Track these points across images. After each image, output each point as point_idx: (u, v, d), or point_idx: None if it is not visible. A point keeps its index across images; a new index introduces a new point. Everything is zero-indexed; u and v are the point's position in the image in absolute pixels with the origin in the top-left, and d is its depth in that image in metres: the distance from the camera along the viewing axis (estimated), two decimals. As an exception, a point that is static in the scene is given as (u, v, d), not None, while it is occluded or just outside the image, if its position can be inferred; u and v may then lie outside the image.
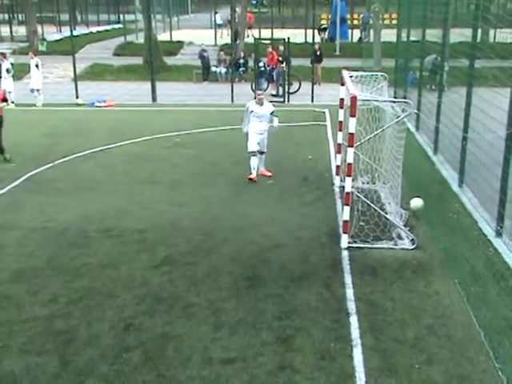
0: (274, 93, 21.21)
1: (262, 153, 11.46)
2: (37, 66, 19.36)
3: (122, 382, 5.43)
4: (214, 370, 5.58)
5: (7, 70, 19.00)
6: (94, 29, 39.83)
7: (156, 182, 11.23)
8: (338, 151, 10.96)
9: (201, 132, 15.46)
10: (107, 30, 40.30)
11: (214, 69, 24.68)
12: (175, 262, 7.84)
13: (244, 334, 6.17)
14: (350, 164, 8.05)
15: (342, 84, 10.40)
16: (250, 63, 23.47)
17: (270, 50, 21.88)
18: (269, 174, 11.46)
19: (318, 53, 22.70)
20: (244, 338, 6.09)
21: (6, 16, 39.59)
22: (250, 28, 33.96)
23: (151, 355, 5.81)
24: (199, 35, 33.75)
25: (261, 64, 20.90)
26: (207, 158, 12.96)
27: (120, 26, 40.36)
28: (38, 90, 19.39)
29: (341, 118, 10.80)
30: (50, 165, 12.41)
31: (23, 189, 10.97)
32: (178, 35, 35.25)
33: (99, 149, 13.59)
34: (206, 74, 24.50)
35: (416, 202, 8.98)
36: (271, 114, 11.29)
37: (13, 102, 19.13)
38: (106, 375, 5.51)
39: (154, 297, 6.92)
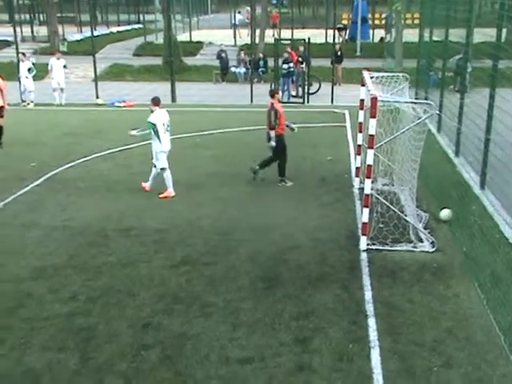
0: (294, 93, 21.19)
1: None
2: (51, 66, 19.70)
3: (140, 379, 5.48)
4: (232, 370, 5.60)
5: (29, 70, 19.27)
6: (115, 29, 40.16)
7: (175, 182, 11.27)
8: (358, 153, 10.91)
9: (220, 132, 15.50)
10: (127, 30, 40.62)
11: (233, 69, 24.73)
12: (193, 262, 7.87)
13: (262, 334, 6.17)
14: (369, 166, 8.01)
15: (363, 85, 10.36)
16: (270, 63, 23.46)
17: (289, 50, 21.84)
18: (147, 189, 10.63)
19: (339, 53, 22.61)
20: (262, 338, 6.10)
21: (28, 16, 40.11)
22: (274, 28, 34.03)
23: (169, 354, 5.85)
24: (219, 35, 33.86)
25: (291, 65, 20.67)
26: (226, 159, 12.99)
27: (140, 26, 40.65)
28: (55, 90, 19.65)
29: (361, 119, 10.75)
30: (71, 164, 12.54)
31: (44, 188, 11.10)
32: (197, 35, 35.40)
33: (119, 149, 13.69)
34: (224, 74, 24.57)
35: (445, 213, 8.92)
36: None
37: (32, 102, 19.40)
38: (124, 372, 5.56)
39: (173, 296, 6.96)
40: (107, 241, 8.60)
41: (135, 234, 8.82)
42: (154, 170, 10.63)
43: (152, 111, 10.41)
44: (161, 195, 10.46)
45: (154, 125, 10.24)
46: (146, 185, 10.75)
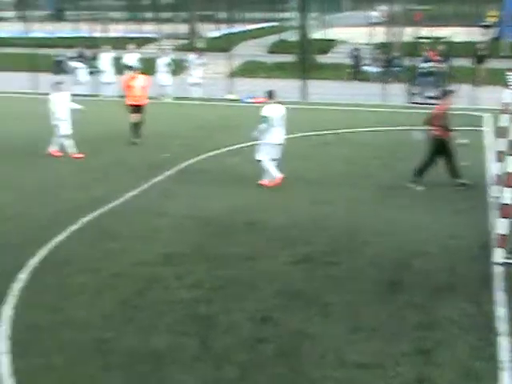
0: (432, 94, 20.30)
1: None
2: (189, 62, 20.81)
3: (256, 371, 5.53)
4: (348, 373, 5.47)
5: (168, 65, 20.37)
6: (251, 27, 41.11)
7: (300, 179, 11.28)
8: (499, 159, 10.19)
9: (350, 132, 15.26)
10: (262, 28, 41.41)
11: (365, 68, 24.28)
12: (315, 260, 7.82)
13: (381, 340, 5.97)
14: (510, 174, 7.43)
15: (507, 87, 9.64)
16: (406, 62, 22.71)
17: (428, 49, 20.98)
18: (267, 184, 10.83)
19: (483, 52, 21.33)
20: (381, 344, 5.90)
21: (169, 14, 42.34)
22: (416, 26, 32.91)
23: (285, 350, 5.84)
24: (352, 33, 33.39)
25: (430, 64, 19.95)
26: (355, 159, 12.76)
27: (274, 24, 41.28)
28: (192, 85, 20.64)
29: (503, 124, 10.02)
30: (202, 157, 13.03)
31: (176, 178, 11.63)
32: (331, 33, 35.18)
33: (247, 144, 13.96)
34: (356, 72, 24.21)
35: None
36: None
37: (170, 96, 20.41)
38: (241, 363, 5.64)
39: (293, 293, 6.95)
40: (232, 233, 8.80)
41: (260, 228, 8.94)
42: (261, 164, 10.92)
43: (265, 104, 10.69)
44: (271, 184, 10.72)
45: (267, 117, 10.51)
46: (264, 180, 10.90)
